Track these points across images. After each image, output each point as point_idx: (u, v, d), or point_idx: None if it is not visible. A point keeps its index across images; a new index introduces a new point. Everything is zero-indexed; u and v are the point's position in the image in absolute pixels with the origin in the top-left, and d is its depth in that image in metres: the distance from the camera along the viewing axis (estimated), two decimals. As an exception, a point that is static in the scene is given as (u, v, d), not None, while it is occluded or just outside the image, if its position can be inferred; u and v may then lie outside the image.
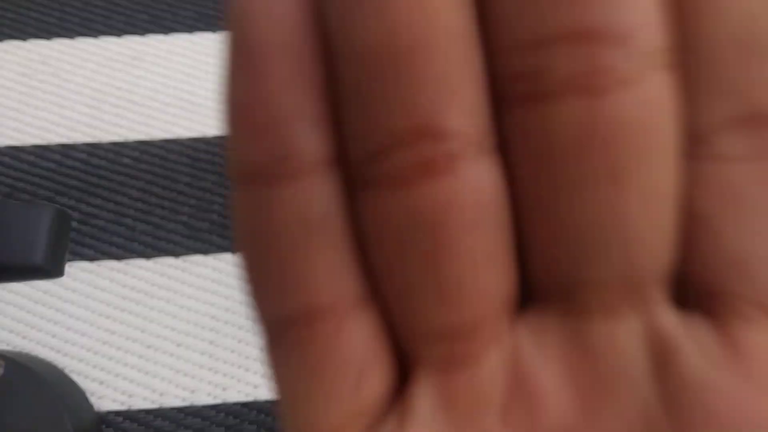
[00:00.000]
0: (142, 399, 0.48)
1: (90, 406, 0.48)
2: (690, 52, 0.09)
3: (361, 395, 0.11)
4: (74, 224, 0.54)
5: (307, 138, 0.10)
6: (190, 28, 0.63)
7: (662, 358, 0.10)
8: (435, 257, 0.10)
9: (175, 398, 0.48)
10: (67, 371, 0.49)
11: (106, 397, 0.48)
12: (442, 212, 0.10)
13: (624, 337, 0.10)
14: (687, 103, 0.09)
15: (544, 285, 0.10)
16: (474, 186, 0.10)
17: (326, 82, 0.10)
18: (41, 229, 0.27)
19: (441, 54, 0.09)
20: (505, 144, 0.10)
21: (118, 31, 0.63)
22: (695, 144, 0.09)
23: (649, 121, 0.09)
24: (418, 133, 0.09)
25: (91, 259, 0.53)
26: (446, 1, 0.09)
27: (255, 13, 0.10)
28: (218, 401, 0.49)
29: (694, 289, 0.10)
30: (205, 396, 0.49)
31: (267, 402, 0.49)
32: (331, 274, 0.10)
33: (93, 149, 0.57)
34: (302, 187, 0.10)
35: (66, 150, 0.57)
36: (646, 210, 0.09)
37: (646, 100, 0.09)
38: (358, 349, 0.11)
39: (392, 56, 0.09)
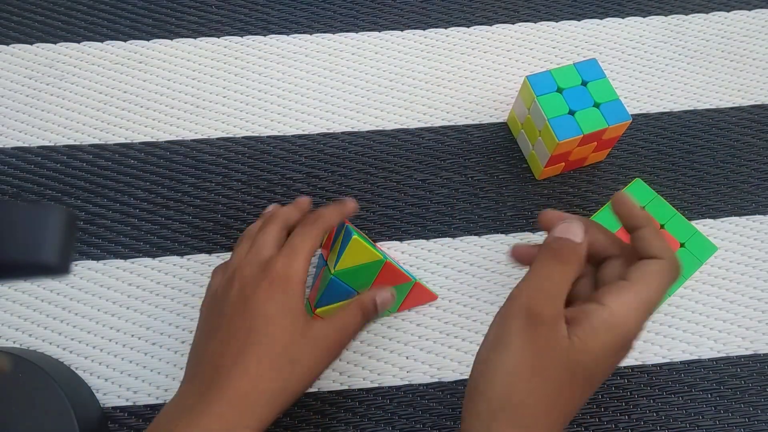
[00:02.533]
0: (147, 395, 0.49)
1: (95, 401, 0.48)
2: None
3: None
4: (81, 224, 0.55)
5: None
6: (194, 33, 0.64)
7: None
8: None
9: (179, 394, 0.49)
10: (73, 368, 0.50)
11: (111, 394, 0.49)
12: None
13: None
14: None
15: None
16: None
17: None
18: (49, 229, 0.28)
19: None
20: None
21: (124, 36, 0.64)
22: None
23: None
24: None
25: (98, 258, 0.53)
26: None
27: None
28: (221, 397, 0.49)
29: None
30: (208, 392, 0.49)
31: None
32: None
33: (99, 151, 0.58)
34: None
35: (72, 151, 0.58)
36: None
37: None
38: None
39: None
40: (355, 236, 0.45)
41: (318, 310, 0.47)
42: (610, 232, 0.38)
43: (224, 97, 0.61)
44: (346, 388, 0.50)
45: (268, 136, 0.59)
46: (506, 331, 0.34)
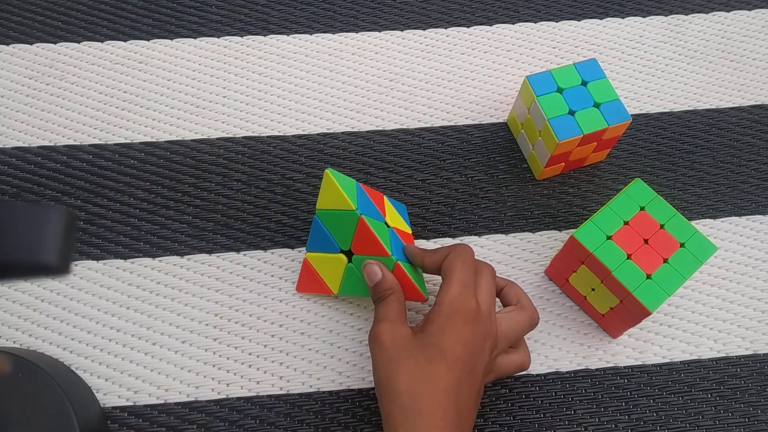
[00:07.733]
0: (147, 395, 0.49)
1: (96, 402, 0.48)
2: None
3: None
4: (81, 224, 0.55)
5: None
6: (194, 33, 0.64)
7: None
8: None
9: (179, 394, 0.49)
10: (73, 368, 0.50)
11: (111, 394, 0.49)
12: None
13: None
14: None
15: None
16: None
17: None
18: (49, 229, 0.28)
19: None
20: None
21: (124, 36, 0.64)
22: None
23: None
24: None
25: (98, 258, 0.53)
26: None
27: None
28: (221, 396, 0.49)
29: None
30: (208, 392, 0.49)
31: (269, 398, 0.49)
32: None
33: (99, 151, 0.58)
34: None
35: (72, 151, 0.58)
36: None
37: None
38: None
39: None
40: (327, 171, 0.47)
41: (307, 254, 0.52)
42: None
43: (224, 97, 0.61)
44: (345, 388, 0.50)
45: (268, 136, 0.59)
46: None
